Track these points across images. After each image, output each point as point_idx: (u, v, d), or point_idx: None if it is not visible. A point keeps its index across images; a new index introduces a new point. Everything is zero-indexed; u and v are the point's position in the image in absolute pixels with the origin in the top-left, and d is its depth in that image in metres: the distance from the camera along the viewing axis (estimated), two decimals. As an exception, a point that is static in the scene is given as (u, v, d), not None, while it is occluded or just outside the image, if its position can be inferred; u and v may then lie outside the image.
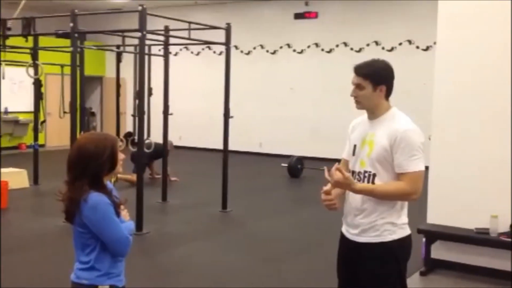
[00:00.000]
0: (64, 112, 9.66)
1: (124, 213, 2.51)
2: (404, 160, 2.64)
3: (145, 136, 7.77)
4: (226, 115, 7.78)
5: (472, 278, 5.03)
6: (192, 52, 15.12)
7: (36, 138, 9.66)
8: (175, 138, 10.80)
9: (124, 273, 2.54)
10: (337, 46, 13.25)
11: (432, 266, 5.22)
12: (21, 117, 14.34)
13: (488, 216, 4.88)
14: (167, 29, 8.13)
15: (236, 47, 13.84)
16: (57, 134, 14.43)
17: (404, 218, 2.76)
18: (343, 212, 2.87)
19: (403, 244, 2.75)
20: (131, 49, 9.40)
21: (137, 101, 7.55)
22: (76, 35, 7.06)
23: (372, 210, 2.70)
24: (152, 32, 7.29)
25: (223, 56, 8.01)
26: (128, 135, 10.68)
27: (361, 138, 2.80)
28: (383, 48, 12.55)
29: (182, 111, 12.30)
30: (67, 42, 7.75)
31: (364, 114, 2.90)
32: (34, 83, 9.61)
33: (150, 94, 8.75)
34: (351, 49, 13.05)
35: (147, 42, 7.71)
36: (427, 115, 5.30)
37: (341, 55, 13.12)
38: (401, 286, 2.79)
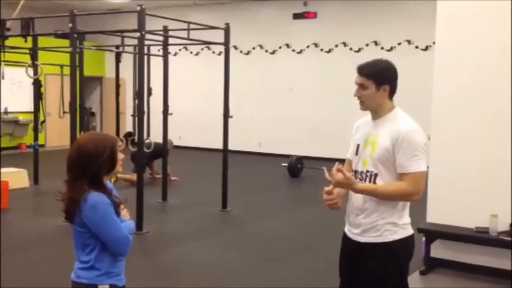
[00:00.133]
0: (64, 112, 9.66)
1: (124, 213, 2.52)
2: (406, 161, 2.63)
3: (145, 136, 7.78)
4: (226, 115, 7.79)
5: (472, 277, 5.04)
6: (191, 52, 15.12)
7: (36, 138, 9.67)
8: (174, 138, 10.81)
9: (124, 273, 2.55)
10: (336, 46, 13.25)
11: (432, 265, 5.23)
12: (21, 117, 14.35)
13: (487, 215, 4.88)
14: (166, 29, 8.14)
15: (235, 47, 13.84)
16: (57, 134, 14.43)
17: (406, 218, 2.76)
18: (346, 212, 2.87)
19: (405, 244, 2.74)
20: (130, 49, 9.41)
21: (136, 101, 7.56)
22: (75, 35, 7.06)
23: (373, 210, 2.70)
24: (151, 32, 7.30)
25: (222, 56, 8.02)
26: (128, 135, 10.68)
27: (364, 138, 2.80)
28: (382, 48, 12.55)
29: (181, 111, 12.30)
30: (66, 42, 7.76)
31: (364, 115, 2.90)
32: (34, 83, 9.62)
33: (149, 94, 8.76)
34: (350, 49, 13.05)
35: (146, 42, 7.72)
36: (427, 115, 5.30)
37: (340, 55, 13.13)
38: (402, 286, 2.78)
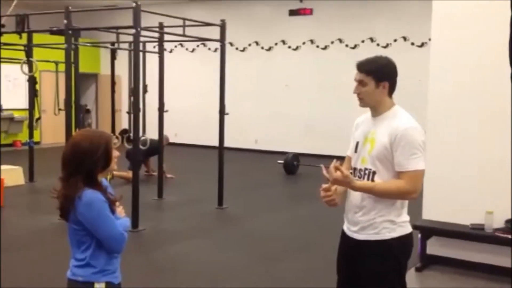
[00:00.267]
0: (59, 109, 9.65)
1: (120, 210, 2.51)
2: (404, 159, 2.62)
3: (141, 133, 7.76)
4: (222, 112, 7.78)
5: (468, 273, 5.04)
6: (187, 49, 15.09)
7: (31, 135, 9.64)
8: (170, 135, 10.80)
9: (119, 270, 2.54)
10: (332, 42, 13.25)
11: (428, 262, 5.24)
12: (16, 114, 14.30)
13: (483, 212, 4.89)
14: (161, 25, 8.11)
15: (231, 44, 13.82)
16: (52, 131, 14.39)
17: (404, 216, 2.75)
18: (344, 209, 2.87)
19: (403, 242, 2.74)
20: (126, 46, 9.37)
21: (132, 98, 7.54)
22: (70, 32, 7.03)
23: (371, 207, 2.69)
24: (146, 29, 7.27)
25: (218, 53, 8.00)
26: (124, 132, 10.66)
27: (363, 135, 2.80)
28: (378, 44, 12.55)
29: (177, 108, 12.29)
30: (61, 39, 7.73)
31: (361, 112, 2.89)
32: (29, 80, 9.58)
33: (145, 91, 8.73)
34: (346, 45, 13.05)
35: (142, 39, 7.70)
36: (423, 111, 5.30)
37: (336, 52, 13.13)
38: (400, 284, 2.78)
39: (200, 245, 6.06)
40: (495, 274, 4.95)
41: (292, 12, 13.62)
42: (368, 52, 13.10)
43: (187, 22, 7.75)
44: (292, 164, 10.76)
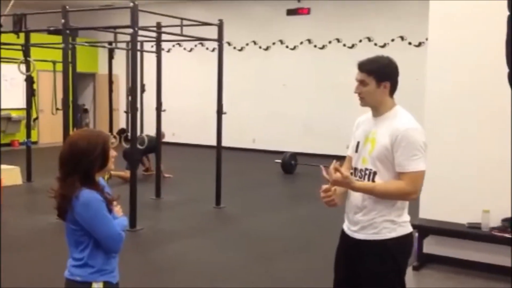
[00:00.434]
0: (57, 109, 9.64)
1: (117, 209, 2.52)
2: (404, 160, 2.61)
3: (138, 132, 7.76)
4: (219, 111, 7.78)
5: (464, 272, 5.06)
6: (184, 49, 15.09)
7: (28, 135, 9.63)
8: (168, 135, 10.81)
9: (117, 270, 2.54)
10: (329, 42, 13.26)
11: (425, 260, 5.26)
12: (14, 114, 14.28)
13: (479, 211, 4.91)
14: (159, 25, 8.12)
15: (228, 44, 13.83)
16: (49, 131, 14.37)
17: (405, 216, 2.75)
18: (345, 209, 2.86)
19: (403, 242, 2.73)
20: (123, 45, 9.38)
21: (130, 98, 7.54)
22: (67, 31, 7.03)
23: (372, 208, 2.69)
24: (144, 29, 7.28)
25: (215, 53, 8.01)
26: (122, 131, 10.67)
27: (364, 135, 2.79)
28: (375, 44, 12.57)
29: (175, 108, 12.29)
30: (58, 38, 7.72)
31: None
32: (26, 80, 9.56)
33: (143, 90, 8.74)
34: (344, 45, 13.06)
35: (139, 38, 7.70)
36: (420, 110, 5.31)
37: (334, 51, 13.14)
38: (400, 284, 2.78)
39: (198, 245, 6.07)
40: (492, 272, 4.97)
41: (290, 12, 13.62)
42: (365, 51, 13.08)
43: (185, 22, 7.76)
44: (290, 163, 10.77)
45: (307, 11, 13.46)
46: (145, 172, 10.10)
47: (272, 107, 13.94)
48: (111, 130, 9.97)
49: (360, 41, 12.79)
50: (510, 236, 4.74)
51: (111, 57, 9.66)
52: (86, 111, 16.43)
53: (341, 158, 3.08)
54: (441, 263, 5.24)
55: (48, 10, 7.86)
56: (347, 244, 2.84)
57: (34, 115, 9.76)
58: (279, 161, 10.82)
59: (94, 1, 13.26)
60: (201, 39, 8.53)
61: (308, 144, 13.07)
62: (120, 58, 9.96)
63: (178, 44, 14.71)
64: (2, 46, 8.63)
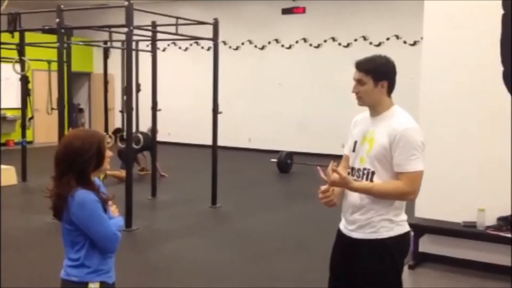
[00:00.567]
0: (52, 109, 9.61)
1: (113, 209, 2.51)
2: (403, 160, 2.61)
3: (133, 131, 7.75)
4: (215, 111, 7.78)
5: (460, 271, 5.07)
6: (180, 48, 15.07)
7: (23, 134, 9.60)
8: (164, 134, 10.80)
9: (113, 270, 2.54)
10: (325, 41, 13.27)
11: (420, 259, 5.26)
12: (8, 114, 14.22)
13: (475, 210, 4.92)
14: (154, 24, 8.10)
15: (224, 43, 13.82)
16: (45, 130, 14.33)
17: (402, 215, 2.75)
18: (342, 209, 2.86)
19: (400, 240, 2.74)
20: (119, 44, 9.36)
21: (125, 97, 7.53)
22: (62, 30, 7.01)
23: (370, 207, 2.69)
24: (139, 28, 7.26)
25: (211, 52, 8.00)
26: (117, 131, 10.65)
27: (362, 134, 2.78)
28: (371, 43, 12.59)
29: (170, 107, 12.27)
30: (53, 37, 7.71)
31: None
32: (21, 79, 9.53)
33: (138, 90, 8.73)
34: (339, 44, 13.08)
35: (135, 37, 7.68)
36: (415, 109, 5.32)
37: (329, 50, 13.16)
38: (397, 283, 2.78)
39: (194, 244, 6.06)
40: (487, 271, 4.98)
41: (285, 11, 13.63)
42: (361, 50, 13.13)
43: (180, 21, 7.74)
44: (286, 162, 10.78)
45: (303, 10, 13.47)
46: (141, 172, 10.08)
47: (268, 106, 13.95)
48: (106, 129, 9.95)
49: (356, 40, 12.81)
50: (504, 235, 4.75)
51: (106, 56, 9.64)
52: (81, 110, 16.39)
53: (336, 157, 3.08)
54: (437, 262, 5.25)
55: (42, 9, 7.84)
56: (344, 243, 2.84)
57: (29, 115, 9.73)
58: (275, 160, 10.82)
59: (89, 0, 13.24)
60: (196, 38, 8.51)
61: (304, 143, 13.08)
62: (115, 58, 9.94)
63: (174, 43, 14.70)
64: (-4, 46, 8.62)
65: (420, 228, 5.21)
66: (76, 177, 2.37)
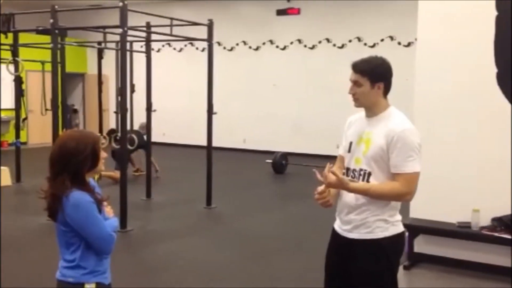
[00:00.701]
0: (46, 109, 9.58)
1: (108, 210, 2.51)
2: (400, 161, 2.61)
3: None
4: (210, 111, 7.77)
5: (455, 271, 5.08)
6: (174, 49, 15.06)
7: (17, 135, 9.57)
8: (159, 135, 10.78)
9: (109, 271, 2.53)
10: (319, 42, 13.29)
11: (415, 260, 5.27)
12: (2, 114, 14.13)
13: (469, 210, 4.93)
14: (148, 25, 8.09)
15: (218, 44, 13.81)
16: (39, 131, 14.28)
17: (397, 216, 2.76)
18: (336, 209, 2.86)
19: (396, 240, 2.74)
20: (113, 45, 9.34)
21: (119, 98, 7.51)
22: (56, 31, 6.99)
23: (365, 207, 2.69)
24: (133, 29, 7.25)
25: (205, 53, 7.99)
26: (111, 132, 10.62)
27: (357, 135, 2.78)
28: (365, 44, 12.61)
29: (165, 108, 12.26)
30: (47, 38, 7.69)
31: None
32: (15, 80, 9.50)
33: (132, 90, 8.71)
34: (334, 45, 13.09)
35: (129, 38, 7.67)
36: (410, 110, 5.33)
37: (324, 51, 13.17)
38: (393, 283, 2.79)
39: (189, 245, 6.05)
40: (482, 271, 4.99)
41: (280, 12, 13.63)
42: (355, 51, 13.13)
43: (175, 22, 7.74)
44: (281, 163, 10.78)
45: (297, 11, 13.48)
46: (135, 173, 10.06)
47: (263, 107, 13.95)
48: (101, 130, 9.93)
49: (350, 41, 12.83)
50: (499, 235, 4.77)
51: (100, 57, 9.62)
52: (75, 111, 16.34)
53: (331, 158, 3.08)
54: (431, 263, 5.26)
55: (36, 9, 7.82)
56: (339, 243, 2.84)
57: (23, 116, 9.70)
58: (270, 161, 10.83)
59: (83, 1, 13.18)
60: (191, 39, 8.51)
61: (299, 144, 13.09)
62: (110, 58, 9.92)
63: (168, 44, 14.68)
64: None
65: (415, 228, 5.22)
66: (71, 177, 2.36)
